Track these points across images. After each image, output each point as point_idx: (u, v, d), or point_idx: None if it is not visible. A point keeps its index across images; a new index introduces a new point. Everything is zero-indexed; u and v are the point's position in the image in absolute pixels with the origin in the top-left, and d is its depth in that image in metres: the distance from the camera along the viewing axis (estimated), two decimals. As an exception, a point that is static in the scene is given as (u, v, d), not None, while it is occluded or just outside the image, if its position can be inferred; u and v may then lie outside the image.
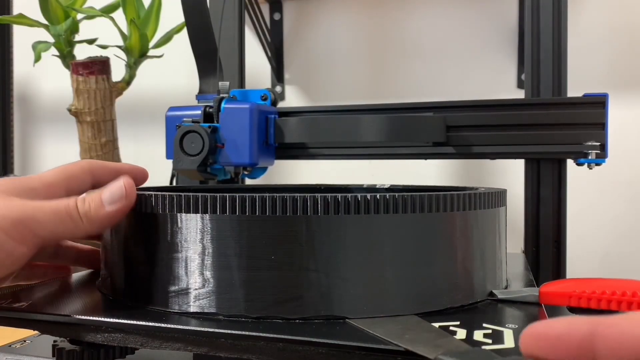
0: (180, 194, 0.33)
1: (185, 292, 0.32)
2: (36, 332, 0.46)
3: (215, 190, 0.48)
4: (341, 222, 0.31)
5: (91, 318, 0.32)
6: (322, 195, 0.31)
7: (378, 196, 0.32)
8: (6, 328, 0.39)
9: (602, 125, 0.58)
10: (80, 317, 0.32)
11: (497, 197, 0.39)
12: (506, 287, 0.40)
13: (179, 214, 0.33)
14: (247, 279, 0.31)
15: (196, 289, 0.32)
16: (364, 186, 0.55)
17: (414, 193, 0.33)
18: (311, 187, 0.56)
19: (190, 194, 0.33)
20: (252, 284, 0.31)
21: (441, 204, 0.33)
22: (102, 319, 0.32)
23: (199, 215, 0.32)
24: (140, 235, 0.35)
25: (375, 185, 0.55)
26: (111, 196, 0.33)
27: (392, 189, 0.53)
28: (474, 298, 0.35)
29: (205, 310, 0.32)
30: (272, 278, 0.31)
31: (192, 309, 0.32)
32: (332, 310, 0.31)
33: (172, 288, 0.33)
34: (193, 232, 0.32)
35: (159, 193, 0.34)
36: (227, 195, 0.32)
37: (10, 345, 0.43)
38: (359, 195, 0.32)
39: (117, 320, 0.31)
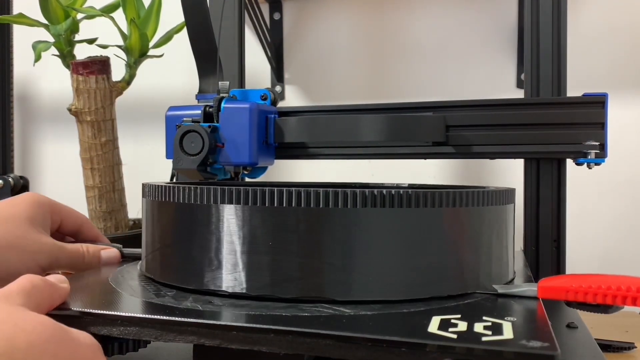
0: (217, 187, 0.37)
1: (218, 273, 0.37)
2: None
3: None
4: (360, 214, 0.35)
5: (107, 312, 0.33)
6: (343, 189, 0.35)
7: (393, 192, 0.35)
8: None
9: (601, 125, 0.58)
10: (96, 311, 0.34)
11: (506, 195, 0.41)
12: (512, 280, 0.42)
13: (215, 205, 0.37)
14: (272, 262, 0.35)
15: (227, 271, 0.36)
16: (385, 185, 0.58)
17: (426, 190, 0.36)
18: (330, 184, 0.58)
19: (226, 187, 0.37)
20: (278, 267, 0.35)
21: (450, 199, 0.36)
22: (118, 313, 0.33)
23: (232, 205, 0.36)
24: (179, 223, 0.39)
25: (395, 184, 0.58)
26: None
27: (411, 187, 0.54)
28: (478, 288, 0.38)
29: (237, 291, 0.36)
30: (296, 263, 0.35)
31: (224, 288, 0.36)
32: (350, 294, 0.35)
33: (207, 269, 0.37)
34: (226, 221, 0.36)
35: (196, 185, 0.38)
36: (259, 188, 0.36)
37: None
38: (375, 190, 0.35)
39: (132, 315, 0.33)
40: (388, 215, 0.35)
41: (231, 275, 0.36)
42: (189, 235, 0.38)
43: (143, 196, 0.44)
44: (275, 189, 0.35)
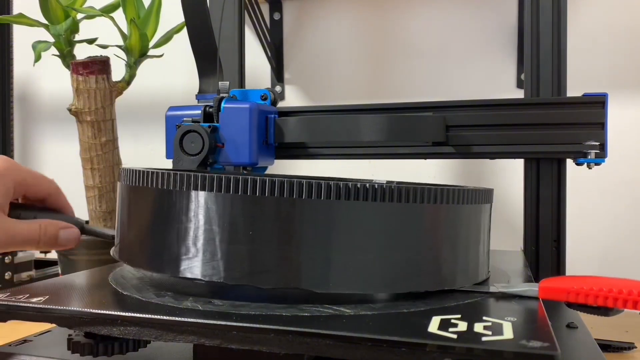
0: (197, 173, 0.36)
1: (195, 261, 0.36)
2: (37, 331, 0.46)
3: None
4: (341, 206, 0.34)
5: (107, 312, 0.33)
6: (326, 181, 0.35)
7: (376, 185, 0.35)
8: (5, 327, 0.39)
9: (601, 125, 0.58)
10: (96, 311, 0.34)
11: (484, 195, 0.41)
12: (487, 280, 0.43)
13: (194, 191, 0.36)
14: (250, 251, 0.35)
15: (206, 259, 0.35)
16: (361, 180, 0.57)
17: (408, 185, 0.36)
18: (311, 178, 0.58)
19: (206, 174, 0.36)
20: (256, 256, 0.35)
21: (426, 195, 0.36)
22: (118, 313, 0.33)
23: (205, 192, 0.36)
24: (153, 209, 0.38)
25: (372, 180, 0.57)
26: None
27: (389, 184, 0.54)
28: (455, 285, 0.38)
29: (214, 280, 0.35)
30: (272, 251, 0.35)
31: (201, 276, 0.35)
32: (327, 286, 0.35)
33: (184, 257, 0.36)
34: (204, 208, 0.36)
35: (175, 171, 0.37)
36: (240, 177, 0.35)
37: (10, 345, 0.43)
38: (358, 183, 0.35)
39: (132, 314, 0.33)
40: (368, 209, 0.35)
41: (209, 263, 0.35)
42: (166, 222, 0.37)
43: (119, 180, 0.44)
44: (258, 177, 0.35)
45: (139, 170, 0.40)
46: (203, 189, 0.36)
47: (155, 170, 0.38)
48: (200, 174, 0.36)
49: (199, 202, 0.36)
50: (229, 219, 0.35)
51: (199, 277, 0.35)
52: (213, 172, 0.61)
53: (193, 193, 0.36)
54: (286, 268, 0.34)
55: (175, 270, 0.36)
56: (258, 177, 0.35)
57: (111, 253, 0.45)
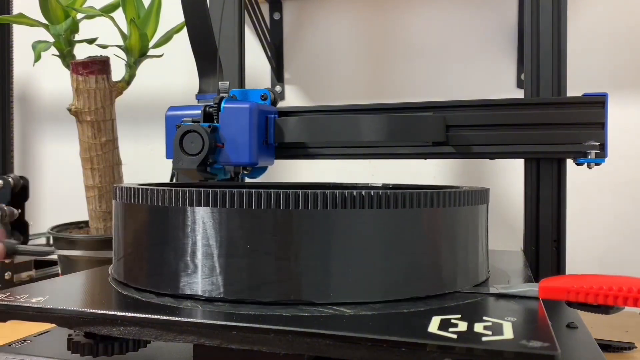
0: (192, 189, 0.36)
1: (194, 277, 0.35)
2: (37, 331, 0.46)
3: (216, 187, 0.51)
4: (338, 216, 0.34)
5: (107, 312, 0.34)
6: (322, 191, 0.35)
7: (372, 193, 0.35)
8: (5, 327, 0.39)
9: (601, 125, 0.58)
10: (96, 311, 0.34)
11: (480, 195, 0.42)
12: (487, 280, 0.43)
13: (190, 207, 0.36)
14: (249, 265, 0.35)
15: (204, 275, 0.35)
16: (358, 185, 0.57)
17: (395, 190, 0.36)
18: (304, 185, 0.58)
19: (202, 189, 0.36)
20: (255, 270, 0.35)
21: (422, 200, 0.36)
22: (118, 313, 0.33)
23: (201, 208, 0.36)
24: (149, 226, 0.38)
25: (368, 184, 0.57)
26: None
27: (384, 187, 0.54)
28: (455, 288, 0.38)
29: (214, 295, 0.35)
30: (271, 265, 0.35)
31: (200, 292, 0.36)
32: (328, 296, 0.34)
33: (182, 273, 0.36)
34: (200, 224, 0.36)
35: (171, 188, 0.37)
36: (236, 190, 0.35)
37: (10, 345, 0.43)
38: (354, 191, 0.35)
39: (132, 314, 0.33)
40: (365, 216, 0.35)
41: (208, 279, 0.35)
42: (162, 239, 0.37)
43: (114, 198, 0.44)
44: (253, 190, 0.35)
45: (133, 188, 0.40)
46: (199, 204, 0.36)
47: (149, 187, 0.39)
48: (194, 189, 0.36)
49: (195, 217, 0.36)
50: (225, 234, 0.35)
51: (199, 293, 0.36)
52: (212, 173, 0.61)
53: (189, 209, 0.36)
54: (286, 281, 0.35)
55: (174, 288, 0.36)
56: (253, 190, 0.35)
57: (109, 271, 0.45)
